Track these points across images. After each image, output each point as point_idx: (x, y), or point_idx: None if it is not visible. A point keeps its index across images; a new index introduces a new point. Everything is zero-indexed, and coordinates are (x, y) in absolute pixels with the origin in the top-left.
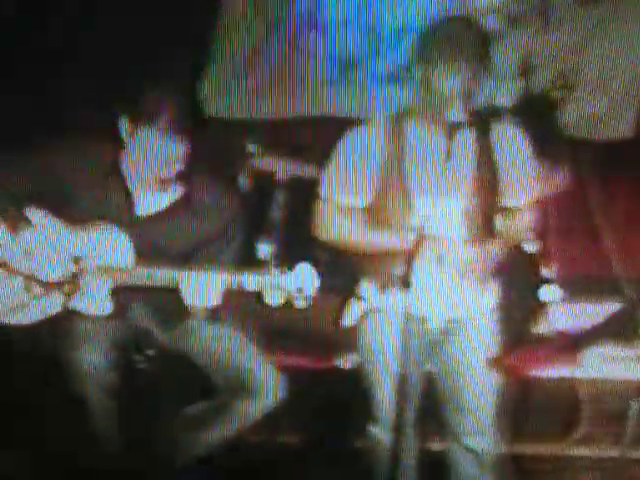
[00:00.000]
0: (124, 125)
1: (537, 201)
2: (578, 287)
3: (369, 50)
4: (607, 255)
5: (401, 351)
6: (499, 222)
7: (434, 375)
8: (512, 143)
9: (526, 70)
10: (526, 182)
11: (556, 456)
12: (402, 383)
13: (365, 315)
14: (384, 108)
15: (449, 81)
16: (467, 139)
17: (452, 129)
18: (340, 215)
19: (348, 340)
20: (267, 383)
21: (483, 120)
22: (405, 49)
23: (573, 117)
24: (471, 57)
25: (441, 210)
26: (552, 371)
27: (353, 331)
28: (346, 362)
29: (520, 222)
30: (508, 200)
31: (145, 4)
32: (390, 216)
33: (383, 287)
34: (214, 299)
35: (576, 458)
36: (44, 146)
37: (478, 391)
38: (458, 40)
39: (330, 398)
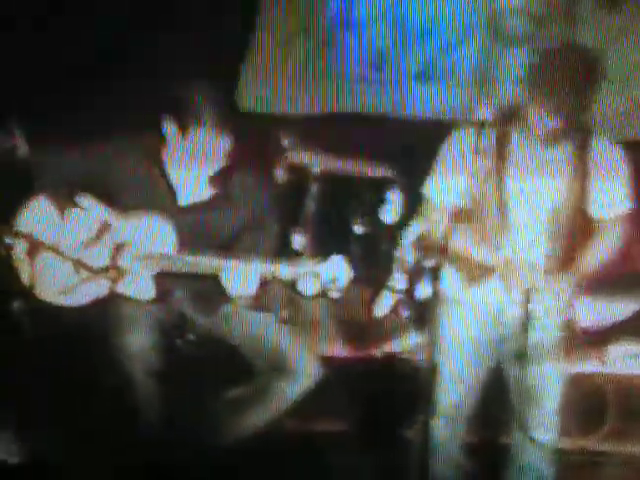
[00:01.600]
0: (170, 125)
1: (626, 216)
2: (603, 285)
3: (399, 48)
4: (631, 252)
5: (477, 344)
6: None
7: (503, 367)
8: (607, 156)
9: None
10: (616, 195)
11: (583, 451)
12: (472, 376)
13: (443, 306)
14: (415, 105)
15: (550, 121)
16: (567, 153)
17: (554, 142)
18: (440, 216)
19: (382, 330)
20: (303, 365)
21: (583, 134)
22: (433, 46)
23: (597, 118)
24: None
25: (530, 217)
26: (578, 367)
27: (385, 321)
28: (382, 351)
29: (608, 237)
30: (597, 211)
31: (185, 5)
32: (484, 225)
33: (468, 281)
34: (252, 287)
35: (603, 454)
36: (95, 138)
37: (549, 384)
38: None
39: (366, 387)
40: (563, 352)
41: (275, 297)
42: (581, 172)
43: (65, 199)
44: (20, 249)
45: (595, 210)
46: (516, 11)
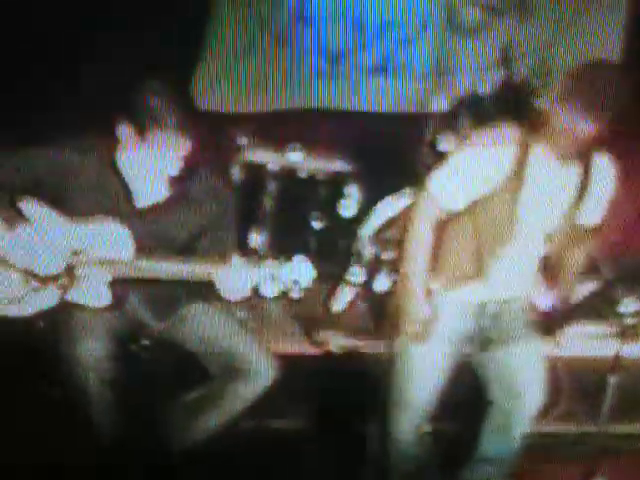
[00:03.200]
0: (125, 127)
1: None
2: None
3: (356, 43)
4: None
5: (454, 338)
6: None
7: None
8: (606, 174)
9: (507, 59)
10: (600, 206)
11: (537, 433)
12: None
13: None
14: (372, 99)
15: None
16: (575, 171)
17: (566, 161)
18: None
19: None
20: (259, 365)
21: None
22: (389, 42)
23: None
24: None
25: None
26: None
27: (342, 315)
28: (337, 347)
29: (585, 244)
30: (583, 219)
31: (139, 5)
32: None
33: (449, 281)
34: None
35: (556, 434)
36: (42, 140)
37: (527, 371)
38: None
39: (323, 384)
40: (540, 341)
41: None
42: (584, 188)
43: (10, 208)
44: None
45: (582, 218)
46: (471, 2)
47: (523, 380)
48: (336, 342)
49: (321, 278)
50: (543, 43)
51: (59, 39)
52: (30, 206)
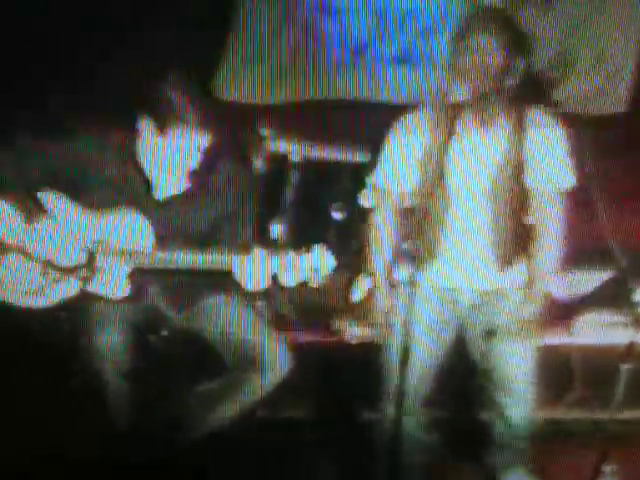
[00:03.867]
0: (145, 120)
1: (567, 193)
2: (572, 257)
3: (378, 34)
4: (600, 226)
5: (431, 324)
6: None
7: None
8: (545, 130)
9: (527, 50)
10: (555, 170)
11: (551, 419)
12: (427, 357)
13: (374, 287)
14: (393, 90)
15: (471, 55)
16: (500, 124)
17: (484, 115)
18: (387, 210)
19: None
20: (275, 356)
21: (517, 105)
22: (411, 33)
23: (570, 94)
24: (498, 32)
25: (469, 188)
26: (547, 339)
27: (361, 305)
28: (353, 336)
29: (548, 210)
30: (534, 184)
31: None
32: (429, 201)
33: (417, 262)
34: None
35: (569, 421)
36: (63, 133)
37: (513, 364)
38: (486, 18)
39: (338, 373)
40: (528, 328)
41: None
42: (517, 145)
43: (30, 200)
44: None
45: (534, 183)
46: None
47: (509, 376)
48: (352, 332)
49: (340, 268)
50: (563, 34)
51: (82, 34)
52: (50, 198)
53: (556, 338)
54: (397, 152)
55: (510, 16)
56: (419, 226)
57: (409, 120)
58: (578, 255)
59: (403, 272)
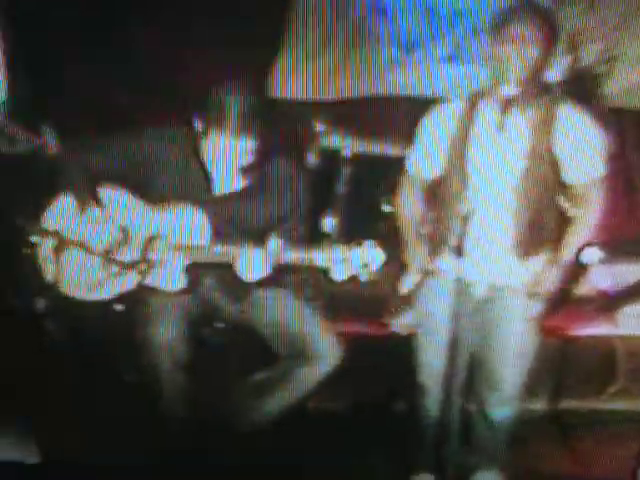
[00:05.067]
0: (198, 124)
1: (601, 181)
2: (616, 249)
3: (428, 33)
4: None
5: (450, 315)
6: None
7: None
8: (576, 124)
9: (573, 46)
10: (589, 161)
11: (593, 410)
12: (450, 349)
13: (422, 281)
14: (446, 87)
15: (509, 45)
16: (527, 117)
17: (512, 107)
18: (415, 192)
19: (406, 306)
20: (325, 348)
21: (548, 99)
22: (462, 31)
23: (616, 88)
24: (537, 24)
25: (494, 185)
26: (592, 329)
27: (410, 298)
28: (403, 328)
29: (585, 202)
30: (569, 176)
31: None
32: (447, 192)
33: (437, 253)
34: (261, 272)
35: (612, 412)
36: (129, 129)
37: (510, 364)
38: (527, 10)
39: (386, 363)
40: (531, 326)
41: (304, 281)
42: (545, 137)
43: (93, 195)
44: (46, 247)
45: (568, 176)
46: None
47: (502, 374)
48: (402, 323)
49: (390, 261)
50: (608, 30)
51: (143, 35)
52: (113, 192)
53: (602, 329)
54: (428, 140)
55: (550, 11)
56: (442, 216)
57: (441, 110)
58: (623, 246)
59: (423, 261)
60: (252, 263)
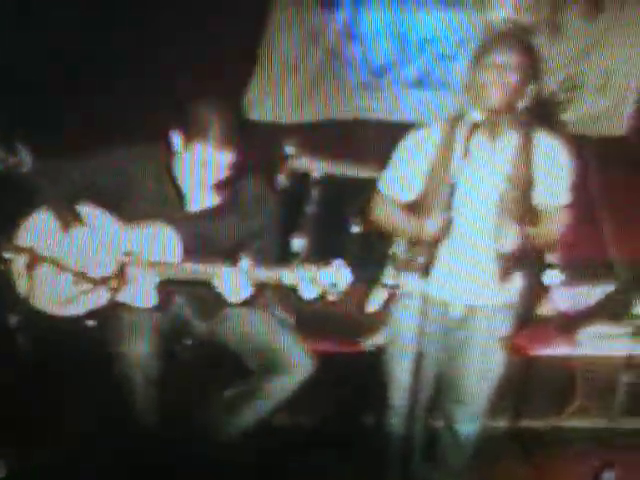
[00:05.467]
0: (177, 138)
1: (567, 207)
2: (576, 270)
3: (398, 58)
4: (603, 241)
5: (419, 334)
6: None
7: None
8: (550, 150)
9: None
10: (559, 187)
11: (553, 428)
12: (418, 366)
13: (392, 299)
14: (414, 111)
15: (491, 72)
16: (510, 142)
17: (496, 132)
18: (389, 207)
19: (372, 324)
20: (297, 360)
21: (526, 125)
22: (429, 57)
23: (577, 115)
24: (512, 50)
25: (475, 203)
26: (552, 349)
27: (377, 316)
28: (370, 346)
29: (550, 225)
30: (540, 201)
31: (195, 21)
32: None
33: (407, 272)
34: (246, 292)
35: (571, 429)
36: (100, 147)
37: (479, 381)
38: (511, 38)
39: (353, 380)
40: (501, 344)
41: (272, 297)
42: (524, 162)
43: (68, 211)
44: (19, 263)
45: (539, 201)
46: (505, 21)
47: (470, 390)
48: (369, 341)
49: (359, 280)
50: (571, 60)
51: (110, 54)
52: (87, 210)
53: (562, 349)
54: (404, 163)
55: (531, 40)
56: (419, 237)
57: (419, 134)
58: (582, 269)
59: (403, 281)
60: (235, 282)
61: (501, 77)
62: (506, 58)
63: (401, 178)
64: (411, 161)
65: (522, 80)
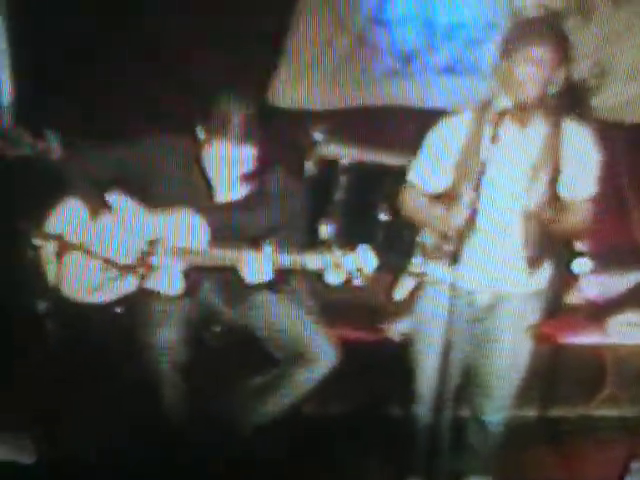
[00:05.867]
0: (201, 133)
1: (592, 200)
2: (606, 259)
3: (426, 44)
4: (633, 229)
5: (446, 323)
6: (554, 214)
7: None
8: (579, 140)
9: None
10: (585, 179)
11: (582, 417)
12: (444, 356)
13: (419, 287)
14: (443, 98)
15: (526, 66)
16: (539, 129)
17: (525, 119)
18: (418, 198)
19: (400, 313)
20: (322, 349)
21: (556, 113)
22: (458, 42)
23: (607, 102)
24: (549, 44)
25: (502, 193)
26: (582, 338)
27: (405, 304)
28: (396, 334)
29: (574, 217)
30: (565, 192)
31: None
32: (453, 203)
33: (436, 263)
34: (268, 274)
35: (600, 418)
36: (135, 137)
37: (506, 372)
38: (537, 30)
39: (379, 369)
40: (529, 335)
41: (300, 285)
42: (552, 152)
43: (97, 199)
44: (49, 250)
45: (565, 192)
46: (535, 6)
47: (497, 380)
48: (396, 330)
49: (386, 268)
50: (599, 45)
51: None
52: (116, 197)
53: (592, 337)
54: (434, 152)
55: (563, 27)
56: (447, 228)
57: (449, 123)
58: (612, 257)
59: (431, 270)
60: (257, 266)
61: (537, 72)
62: (541, 52)
63: (432, 169)
64: (442, 151)
65: (557, 69)
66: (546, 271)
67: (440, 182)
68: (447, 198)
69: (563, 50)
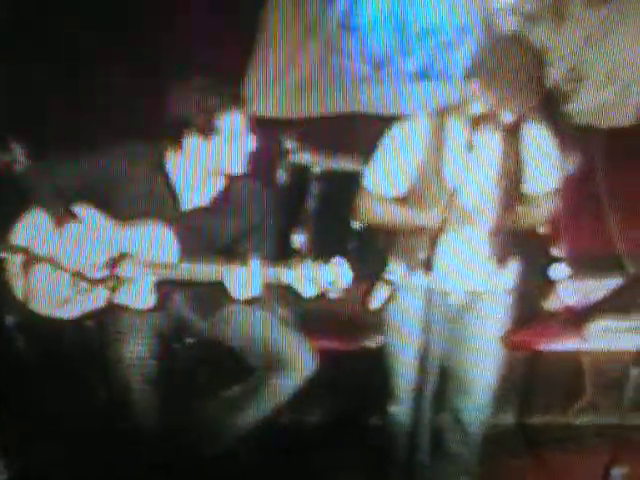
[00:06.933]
0: (172, 134)
1: (556, 192)
2: (583, 264)
3: (398, 49)
4: (610, 234)
5: (422, 325)
6: (520, 208)
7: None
8: (538, 137)
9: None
10: (547, 174)
11: (562, 424)
12: (422, 359)
13: (392, 295)
14: (414, 104)
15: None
16: (496, 133)
17: (485, 124)
18: (378, 203)
19: (375, 322)
20: (298, 356)
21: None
22: (430, 48)
23: (582, 106)
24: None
25: (469, 194)
26: (559, 345)
27: (380, 313)
28: (373, 343)
29: (539, 210)
30: (529, 188)
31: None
32: (424, 204)
33: (409, 268)
34: (257, 290)
35: (579, 426)
36: (94, 145)
37: (483, 370)
38: (516, 68)
39: (356, 377)
40: (501, 334)
41: (273, 296)
42: (515, 152)
43: (64, 211)
44: (15, 263)
45: (528, 187)
46: (509, 10)
47: (474, 380)
48: (372, 339)
49: (360, 277)
50: (575, 50)
51: (114, 51)
52: (82, 209)
53: (570, 344)
54: (392, 157)
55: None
56: (413, 229)
57: (402, 128)
58: (589, 263)
59: (397, 273)
60: (245, 282)
61: (517, 93)
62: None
63: (390, 174)
64: (397, 155)
65: (534, 84)
66: (515, 268)
67: (397, 186)
68: (409, 201)
69: (539, 66)
